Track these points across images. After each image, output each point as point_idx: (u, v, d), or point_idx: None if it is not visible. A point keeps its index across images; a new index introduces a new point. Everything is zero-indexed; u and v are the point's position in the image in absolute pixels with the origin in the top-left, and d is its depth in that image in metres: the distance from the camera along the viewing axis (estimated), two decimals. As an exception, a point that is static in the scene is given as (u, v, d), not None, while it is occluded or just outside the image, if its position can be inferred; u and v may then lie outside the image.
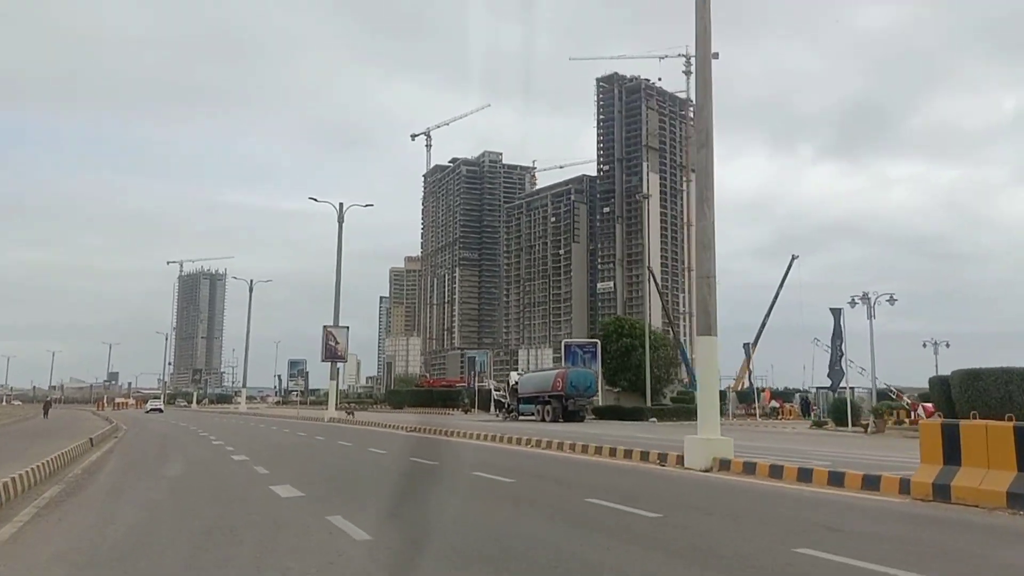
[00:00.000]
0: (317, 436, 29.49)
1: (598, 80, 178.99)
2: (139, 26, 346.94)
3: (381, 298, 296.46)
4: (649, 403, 52.85)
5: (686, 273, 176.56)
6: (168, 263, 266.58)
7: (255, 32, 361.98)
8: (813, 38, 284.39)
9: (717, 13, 16.47)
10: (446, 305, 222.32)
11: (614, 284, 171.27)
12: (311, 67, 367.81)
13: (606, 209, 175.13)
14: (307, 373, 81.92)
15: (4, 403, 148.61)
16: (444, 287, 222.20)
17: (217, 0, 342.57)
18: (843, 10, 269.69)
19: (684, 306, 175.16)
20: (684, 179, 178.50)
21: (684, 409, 50.40)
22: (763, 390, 65.08)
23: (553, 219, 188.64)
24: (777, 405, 60.37)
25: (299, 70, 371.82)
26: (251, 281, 76.66)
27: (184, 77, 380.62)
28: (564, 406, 44.45)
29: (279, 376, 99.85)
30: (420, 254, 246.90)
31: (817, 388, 57.05)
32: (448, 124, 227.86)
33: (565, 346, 57.39)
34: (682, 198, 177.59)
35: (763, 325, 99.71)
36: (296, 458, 19.55)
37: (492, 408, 64.24)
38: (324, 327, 56.32)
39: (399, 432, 32.18)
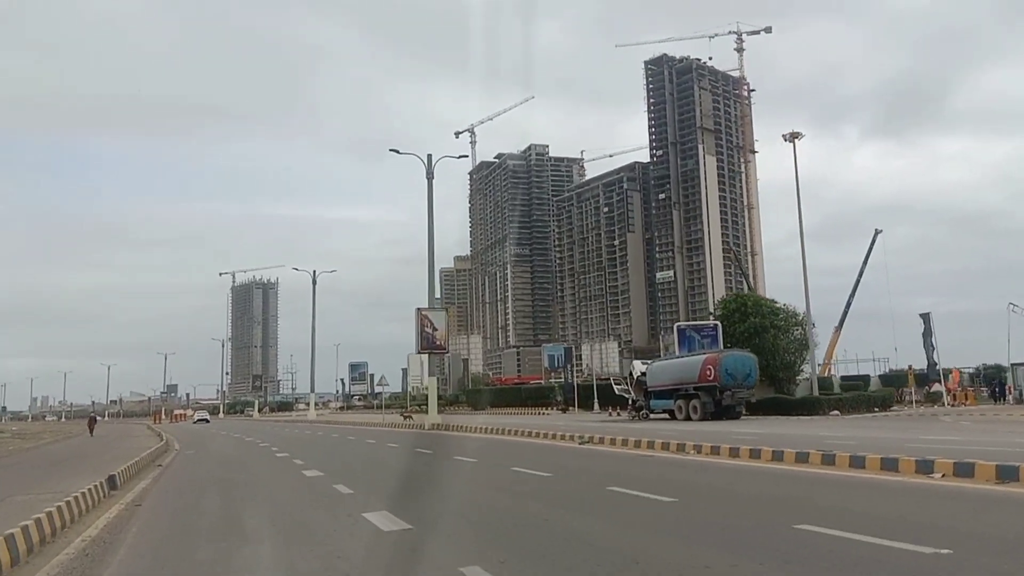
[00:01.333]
0: (460, 457, 20.63)
1: (646, 63, 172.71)
2: (185, 51, 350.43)
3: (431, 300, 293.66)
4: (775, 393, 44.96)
5: (750, 258, 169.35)
6: (221, 274, 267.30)
7: (292, 50, 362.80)
8: (854, 16, 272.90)
9: None
10: (499, 303, 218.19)
11: (674, 273, 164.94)
12: (350, 80, 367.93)
13: (661, 196, 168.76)
14: (371, 376, 77.88)
15: (44, 419, 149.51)
16: (496, 285, 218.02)
17: (255, 22, 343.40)
18: None
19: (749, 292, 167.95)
20: (742, 160, 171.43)
21: (841, 399, 43.64)
22: (950, 370, 56.53)
23: (606, 209, 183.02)
24: (946, 388, 51.91)
25: (338, 83, 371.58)
26: (314, 272, 71.72)
27: (227, 97, 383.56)
28: (717, 399, 36.85)
29: (342, 380, 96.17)
30: (470, 253, 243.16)
31: (1012, 365, 51.16)
32: (492, 119, 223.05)
33: (678, 331, 50.00)
34: (741, 180, 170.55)
35: (848, 306, 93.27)
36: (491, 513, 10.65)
37: (597, 406, 59.62)
38: (417, 311, 45.92)
39: (534, 441, 26.01)
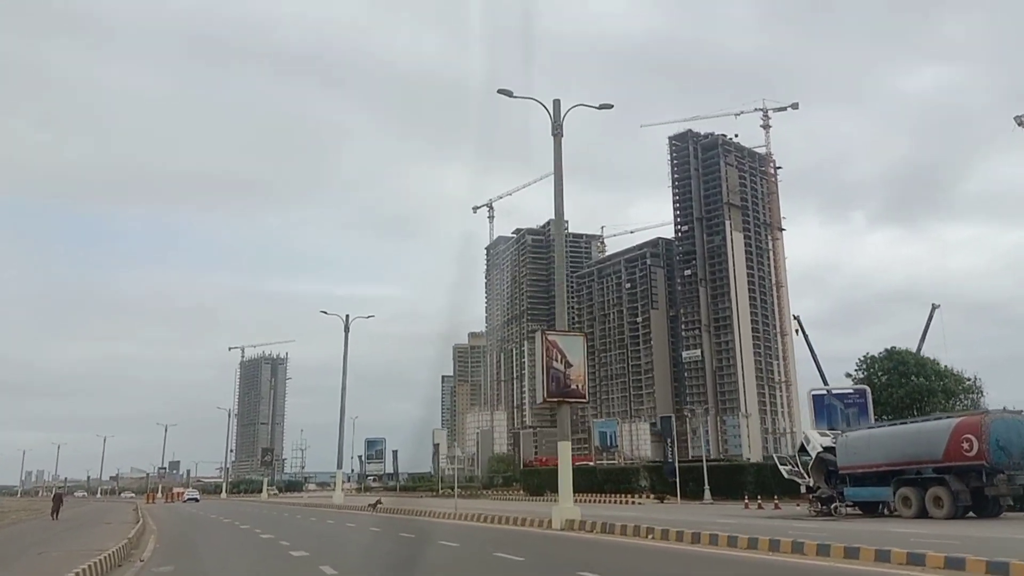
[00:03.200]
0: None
1: (671, 139, 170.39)
2: (196, 125, 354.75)
3: (444, 377, 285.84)
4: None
5: (779, 338, 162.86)
6: (230, 348, 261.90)
7: (304, 127, 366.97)
8: (858, 103, 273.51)
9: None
10: (515, 381, 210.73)
11: (701, 352, 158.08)
12: (363, 157, 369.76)
13: (687, 272, 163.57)
14: (390, 453, 70.64)
15: (38, 494, 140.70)
16: (513, 362, 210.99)
17: (266, 97, 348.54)
18: (887, 74, 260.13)
19: (779, 374, 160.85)
20: (770, 237, 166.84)
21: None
22: None
23: (628, 285, 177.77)
24: None
25: (351, 161, 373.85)
26: (347, 316, 61.97)
27: (237, 172, 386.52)
28: (976, 487, 25.82)
29: (359, 457, 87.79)
30: (484, 329, 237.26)
31: None
32: (511, 194, 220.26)
33: (814, 398, 40.14)
34: (769, 257, 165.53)
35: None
36: None
37: (708, 494, 46.49)
38: (542, 334, 29.37)
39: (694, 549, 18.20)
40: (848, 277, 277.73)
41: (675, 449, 45.70)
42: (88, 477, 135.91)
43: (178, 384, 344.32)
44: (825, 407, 37.46)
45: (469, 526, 29.56)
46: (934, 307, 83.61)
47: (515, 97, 29.60)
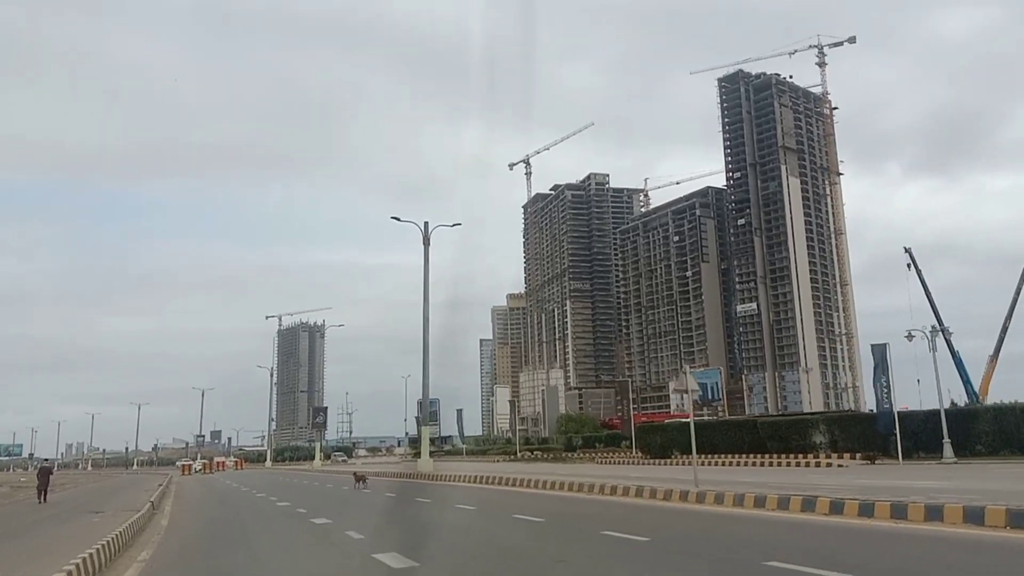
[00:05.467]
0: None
1: (720, 81, 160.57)
2: (216, 96, 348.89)
3: (482, 341, 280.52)
4: None
5: (838, 288, 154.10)
6: (267, 318, 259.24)
7: (326, 95, 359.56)
8: (895, 48, 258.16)
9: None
10: (557, 342, 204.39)
11: (757, 305, 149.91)
12: (386, 122, 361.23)
13: (741, 221, 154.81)
14: (458, 411, 64.63)
15: (77, 467, 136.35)
16: (555, 322, 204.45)
17: (287, 66, 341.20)
18: (923, 18, 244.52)
19: (839, 326, 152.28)
20: (828, 182, 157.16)
21: None
22: None
23: (676, 238, 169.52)
24: None
25: (374, 126, 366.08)
26: (425, 224, 46.57)
27: (261, 143, 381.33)
28: None
29: (416, 418, 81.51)
30: (524, 290, 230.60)
31: None
32: (549, 148, 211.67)
33: None
34: (826, 203, 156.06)
35: (1004, 332, 78.63)
36: None
37: (949, 449, 34.37)
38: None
39: None
40: (881, 230, 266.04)
41: (891, 393, 35.41)
42: (127, 449, 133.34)
43: (216, 356, 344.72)
44: None
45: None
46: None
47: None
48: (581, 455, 57.91)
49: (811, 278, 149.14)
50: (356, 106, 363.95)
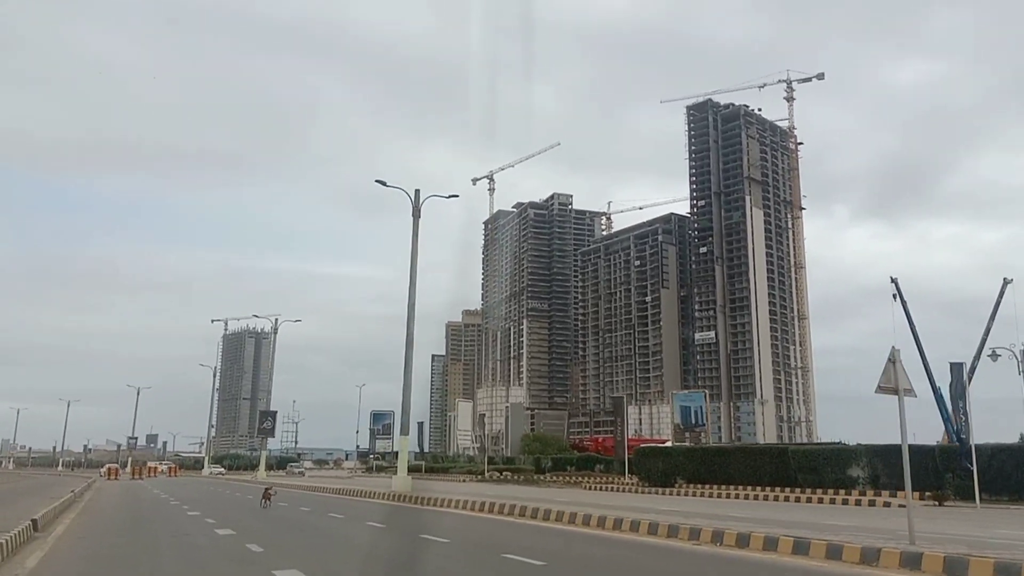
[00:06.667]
0: None
1: (689, 109, 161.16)
2: (173, 95, 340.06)
3: (434, 356, 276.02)
4: None
5: (796, 322, 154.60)
6: (212, 321, 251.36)
7: (287, 101, 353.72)
8: (845, 95, 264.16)
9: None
10: (512, 361, 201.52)
11: (715, 334, 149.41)
12: (346, 133, 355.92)
13: (703, 249, 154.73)
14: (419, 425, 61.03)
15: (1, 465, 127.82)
16: (510, 341, 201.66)
17: (249, 70, 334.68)
18: (875, 67, 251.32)
19: (795, 359, 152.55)
20: (791, 216, 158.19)
21: None
22: None
23: (637, 263, 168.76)
24: None
25: (334, 136, 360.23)
26: (416, 192, 40.64)
27: (217, 145, 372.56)
28: None
29: (371, 430, 76.25)
30: (480, 307, 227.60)
31: None
32: (514, 166, 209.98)
33: None
34: (788, 236, 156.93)
35: (976, 359, 77.93)
36: None
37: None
38: None
39: None
40: (829, 271, 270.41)
41: (968, 423, 29.02)
42: (54, 448, 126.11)
43: (158, 358, 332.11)
44: None
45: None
46: (1006, 281, 74.84)
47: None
48: (555, 478, 52.74)
49: (770, 310, 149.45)
50: (316, 115, 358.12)
